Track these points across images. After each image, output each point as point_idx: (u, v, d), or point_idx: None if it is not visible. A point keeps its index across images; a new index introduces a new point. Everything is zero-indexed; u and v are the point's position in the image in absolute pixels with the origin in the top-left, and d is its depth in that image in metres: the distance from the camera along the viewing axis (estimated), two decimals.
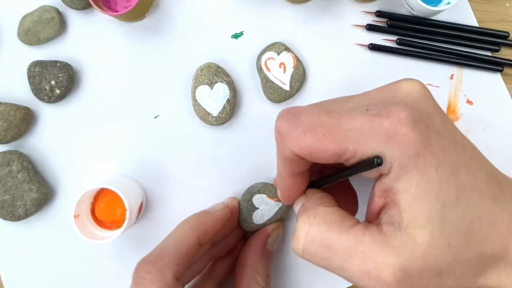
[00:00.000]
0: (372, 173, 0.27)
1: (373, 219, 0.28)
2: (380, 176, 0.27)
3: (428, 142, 0.25)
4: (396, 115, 0.26)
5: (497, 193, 0.27)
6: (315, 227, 0.27)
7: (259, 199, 0.43)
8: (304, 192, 0.32)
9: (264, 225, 0.43)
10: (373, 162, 0.25)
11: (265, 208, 0.43)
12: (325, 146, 0.27)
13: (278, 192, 0.34)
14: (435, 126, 0.27)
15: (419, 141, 0.25)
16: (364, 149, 0.26)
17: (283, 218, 0.44)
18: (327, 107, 0.29)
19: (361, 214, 0.33)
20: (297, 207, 0.32)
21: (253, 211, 0.43)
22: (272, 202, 0.43)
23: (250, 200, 0.43)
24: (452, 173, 0.25)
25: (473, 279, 0.26)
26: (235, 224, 0.43)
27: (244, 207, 0.43)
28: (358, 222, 0.28)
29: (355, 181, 0.35)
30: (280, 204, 0.43)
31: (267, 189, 0.43)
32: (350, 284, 0.45)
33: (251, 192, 0.43)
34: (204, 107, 0.44)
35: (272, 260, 0.43)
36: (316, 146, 0.27)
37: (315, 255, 0.27)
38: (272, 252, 0.42)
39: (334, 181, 0.31)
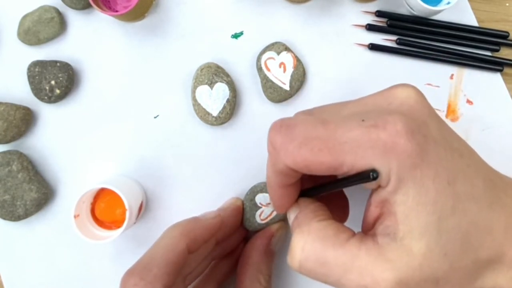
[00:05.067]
0: (371, 184, 0.27)
1: (369, 229, 0.28)
2: (378, 187, 0.26)
3: (425, 153, 0.25)
4: (393, 127, 0.25)
5: (494, 199, 0.27)
6: (310, 244, 0.27)
7: (262, 198, 0.43)
8: (297, 201, 0.32)
9: (267, 224, 0.43)
10: (368, 176, 0.25)
11: (268, 207, 0.43)
12: (321, 159, 0.26)
13: (271, 202, 0.34)
14: (432, 135, 0.26)
15: (417, 152, 0.25)
16: (361, 162, 0.25)
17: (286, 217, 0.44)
18: (322, 117, 0.28)
19: (353, 220, 0.32)
20: (290, 218, 0.31)
21: (256, 210, 0.43)
22: None
23: (253, 199, 0.43)
24: (449, 183, 0.25)
25: (470, 283, 0.27)
26: (239, 224, 0.43)
27: (247, 206, 0.43)
28: (353, 234, 0.27)
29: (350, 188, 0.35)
30: None
31: None
32: None
33: (254, 191, 0.43)
34: (204, 107, 0.44)
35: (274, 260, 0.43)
36: (312, 160, 0.26)
37: (311, 271, 0.27)
38: (275, 252, 0.42)
39: (328, 191, 0.31)
